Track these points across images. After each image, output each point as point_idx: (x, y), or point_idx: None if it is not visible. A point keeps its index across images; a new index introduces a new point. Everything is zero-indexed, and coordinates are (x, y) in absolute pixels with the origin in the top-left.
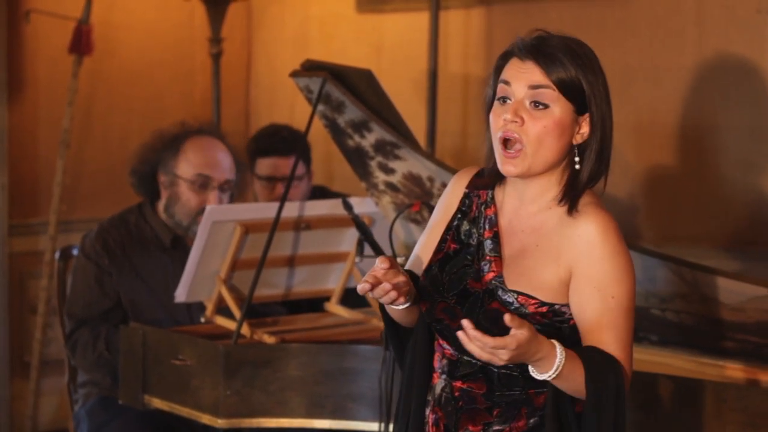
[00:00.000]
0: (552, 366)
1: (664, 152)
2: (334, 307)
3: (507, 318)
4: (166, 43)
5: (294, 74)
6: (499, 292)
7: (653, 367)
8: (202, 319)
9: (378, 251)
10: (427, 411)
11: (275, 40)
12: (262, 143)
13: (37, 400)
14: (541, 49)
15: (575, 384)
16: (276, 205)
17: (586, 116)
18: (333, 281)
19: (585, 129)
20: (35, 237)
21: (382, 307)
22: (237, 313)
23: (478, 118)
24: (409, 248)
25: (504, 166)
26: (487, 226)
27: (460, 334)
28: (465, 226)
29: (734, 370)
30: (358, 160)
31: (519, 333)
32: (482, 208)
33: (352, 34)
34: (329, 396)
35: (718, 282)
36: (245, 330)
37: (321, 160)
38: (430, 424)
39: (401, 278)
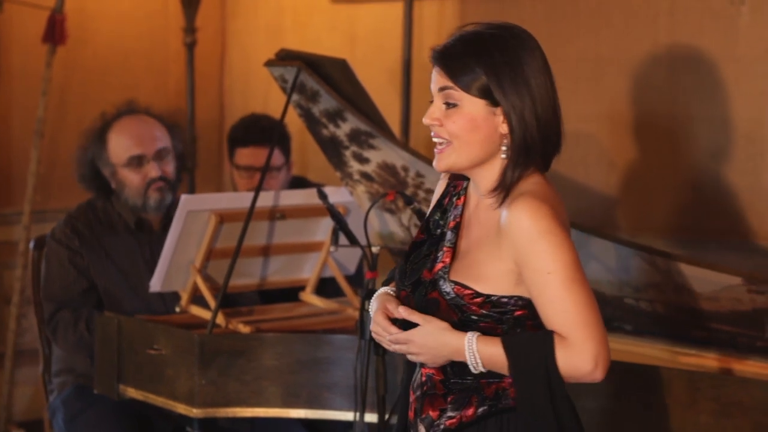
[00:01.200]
0: (468, 359)
1: (637, 142)
2: (308, 296)
3: (401, 311)
4: (140, 33)
5: (268, 63)
6: (440, 282)
7: (627, 357)
8: (177, 309)
9: (353, 240)
10: (411, 395)
11: (249, 29)
12: (241, 133)
13: (11, 390)
14: (446, 52)
15: (503, 369)
16: (251, 194)
17: (500, 108)
18: (308, 271)
19: (502, 120)
20: (9, 227)
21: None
22: (212, 303)
23: None
24: (383, 237)
25: (435, 163)
26: (452, 217)
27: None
28: (436, 215)
29: (708, 359)
30: (332, 149)
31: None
32: (454, 199)
33: (327, 23)
34: (304, 385)
35: (691, 271)
36: (220, 319)
37: (296, 149)
38: (412, 407)
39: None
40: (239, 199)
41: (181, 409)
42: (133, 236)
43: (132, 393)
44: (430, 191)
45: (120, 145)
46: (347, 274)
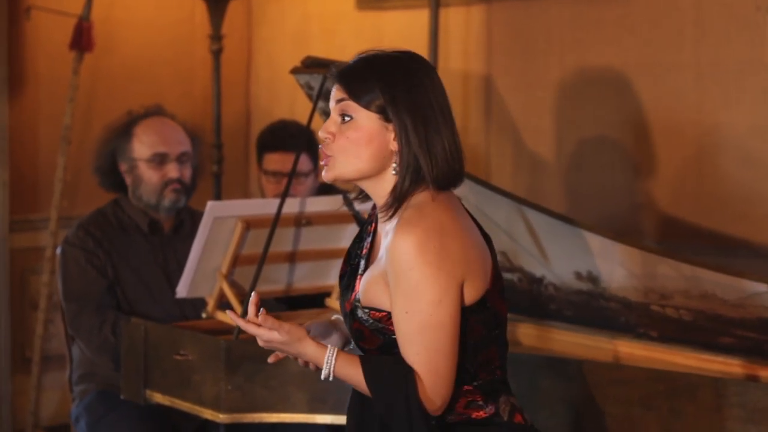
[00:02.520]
0: (324, 371)
1: (663, 149)
2: (335, 302)
3: (261, 318)
4: (166, 40)
5: (294, 71)
6: (357, 311)
7: (653, 363)
8: (204, 315)
9: None
10: None
11: (275, 36)
12: (270, 138)
13: (38, 396)
14: (345, 70)
15: (362, 389)
16: (277, 201)
17: (392, 124)
18: (334, 277)
19: (393, 137)
20: (36, 233)
21: None
22: (238, 309)
23: (478, 115)
24: None
25: (322, 173)
26: (365, 245)
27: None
28: (354, 246)
29: (733, 366)
30: None
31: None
32: (367, 226)
33: (352, 31)
34: (331, 391)
35: (717, 278)
36: None
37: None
38: None
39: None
40: (265, 206)
41: (208, 414)
42: (146, 239)
43: (158, 398)
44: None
45: (145, 140)
46: None
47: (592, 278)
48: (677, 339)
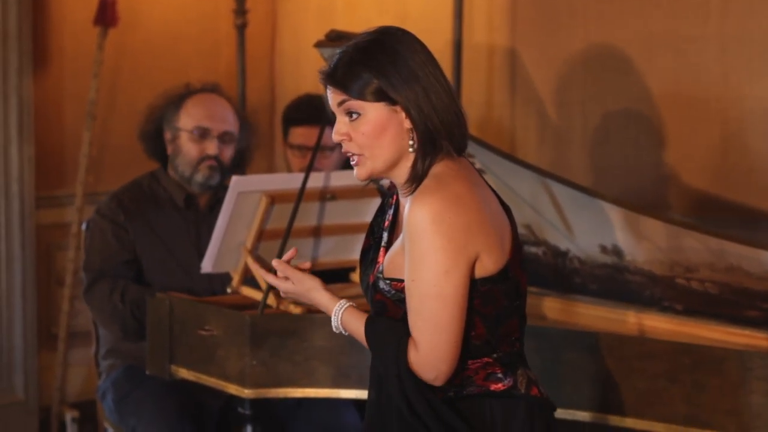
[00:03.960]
0: (332, 322)
1: (688, 122)
2: (359, 277)
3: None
4: (190, 15)
5: (319, 45)
6: (379, 283)
7: (678, 336)
8: (228, 290)
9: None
10: None
11: (300, 10)
12: (295, 112)
13: (64, 372)
14: (335, 69)
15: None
16: (301, 175)
17: (398, 105)
18: (359, 252)
19: (405, 116)
20: (62, 209)
21: None
22: (263, 284)
23: (502, 89)
24: None
25: (355, 174)
26: (386, 217)
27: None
28: (377, 219)
29: (759, 339)
30: None
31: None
32: (388, 199)
33: (376, 4)
34: (355, 366)
35: (743, 251)
36: (271, 300)
37: None
38: None
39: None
40: (290, 180)
41: (233, 389)
42: (180, 214)
43: (183, 374)
44: (482, 171)
45: (192, 112)
46: None
47: (617, 251)
48: (702, 312)
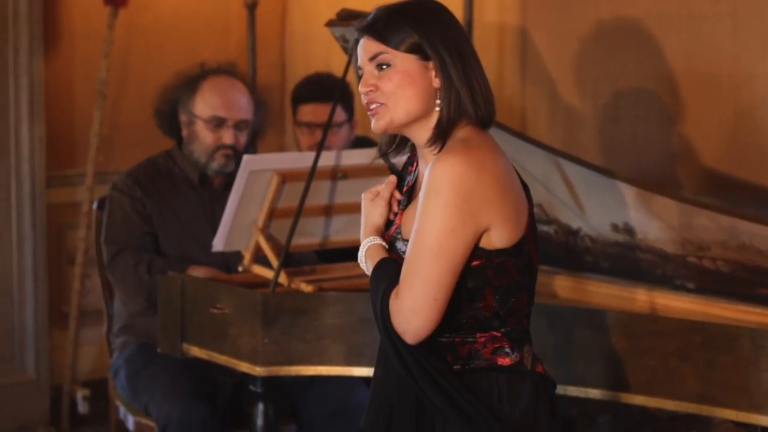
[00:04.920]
0: (359, 255)
1: (699, 100)
2: None
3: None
4: None
5: (329, 24)
6: (396, 243)
7: (690, 315)
8: (240, 268)
9: None
10: None
11: None
12: (303, 90)
13: (76, 350)
14: (374, 21)
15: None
16: (312, 154)
17: (431, 62)
18: None
19: (436, 74)
20: (72, 188)
21: None
22: (274, 262)
23: (513, 68)
24: None
25: (372, 126)
26: (406, 182)
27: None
28: (399, 186)
29: None
30: None
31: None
32: (407, 167)
33: None
34: (367, 344)
35: (755, 229)
36: (283, 279)
37: (357, 109)
38: None
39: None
40: (301, 159)
41: (245, 367)
42: (195, 192)
43: (195, 352)
44: None
45: (209, 100)
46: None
47: (629, 230)
48: (714, 290)
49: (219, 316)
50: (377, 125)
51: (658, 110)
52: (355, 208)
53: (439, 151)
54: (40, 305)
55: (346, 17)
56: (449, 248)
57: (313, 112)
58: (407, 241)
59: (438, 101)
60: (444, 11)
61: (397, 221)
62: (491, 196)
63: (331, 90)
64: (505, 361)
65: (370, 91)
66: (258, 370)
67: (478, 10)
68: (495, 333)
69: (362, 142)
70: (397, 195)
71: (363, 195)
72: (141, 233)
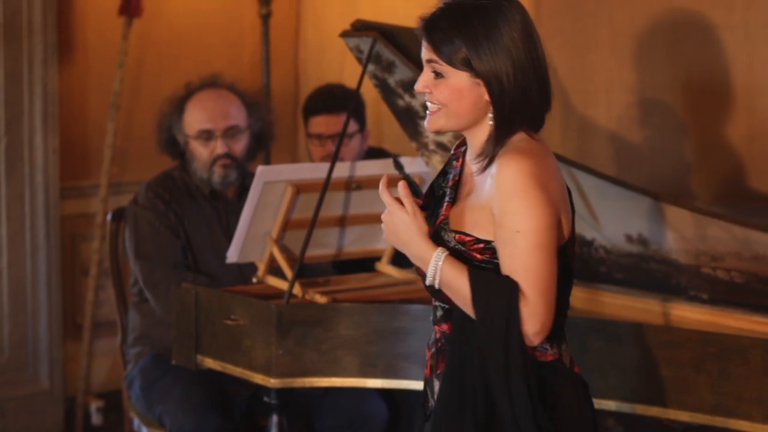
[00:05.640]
0: (429, 270)
1: (713, 110)
2: (385, 267)
3: (400, 189)
4: (215, 5)
5: (344, 34)
6: (442, 233)
7: (704, 326)
8: (254, 279)
9: None
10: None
11: (324, 0)
12: (314, 101)
13: (89, 362)
14: (432, 24)
15: (461, 298)
16: (327, 165)
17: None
18: (384, 241)
19: (485, 90)
20: (87, 199)
21: None
22: (289, 273)
23: None
24: None
25: (426, 122)
26: (450, 177)
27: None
28: (439, 180)
29: None
30: (408, 119)
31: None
32: (452, 162)
33: None
34: (381, 355)
35: None
36: (297, 290)
37: (371, 120)
38: (428, 364)
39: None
40: (315, 170)
41: (259, 379)
42: (210, 204)
43: (209, 363)
44: None
45: (193, 117)
46: None
47: (643, 240)
48: (728, 301)
49: (233, 328)
50: (431, 126)
51: (672, 120)
52: (370, 219)
53: (490, 161)
54: (54, 316)
55: (360, 28)
56: (553, 243)
57: (324, 123)
58: (455, 232)
59: (490, 115)
60: (504, 14)
61: (443, 212)
62: (559, 195)
63: (342, 101)
64: (545, 357)
65: (426, 92)
66: (272, 382)
67: None
68: None
69: (375, 152)
70: (413, 200)
71: (388, 217)
72: (176, 249)
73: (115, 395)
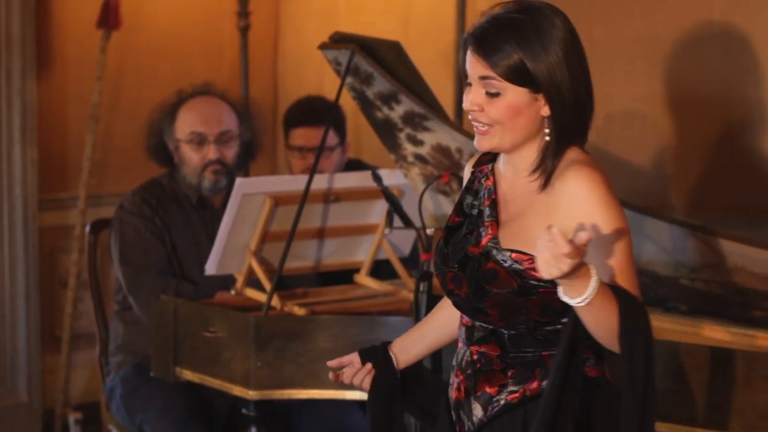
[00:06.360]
0: (586, 288)
1: (692, 122)
2: (363, 278)
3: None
4: (194, 18)
5: (322, 47)
6: (494, 252)
7: (683, 337)
8: (233, 292)
9: (407, 222)
10: (452, 377)
11: (303, 12)
12: (294, 114)
13: (68, 374)
14: (484, 38)
15: (604, 317)
16: (305, 177)
17: (542, 93)
18: (362, 253)
19: (545, 103)
20: (65, 211)
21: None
22: (267, 285)
23: None
24: (438, 219)
25: (476, 142)
26: (485, 195)
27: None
28: (467, 199)
29: (764, 340)
30: (386, 132)
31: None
32: (482, 180)
33: (380, 6)
34: None
35: (748, 251)
36: (276, 302)
37: (349, 132)
38: (454, 387)
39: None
40: (294, 182)
41: (237, 391)
42: (197, 212)
43: (188, 375)
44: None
45: (186, 120)
46: (402, 257)
47: None
48: (707, 312)
49: (212, 340)
50: (483, 146)
51: (651, 132)
52: (349, 231)
53: (547, 179)
54: (33, 329)
55: (339, 40)
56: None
57: (304, 136)
58: (510, 251)
59: (547, 130)
60: (557, 28)
61: (489, 232)
62: None
63: (322, 113)
64: (593, 372)
65: (475, 110)
66: (251, 394)
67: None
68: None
69: (354, 165)
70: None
71: (545, 256)
72: (161, 255)
73: (94, 407)
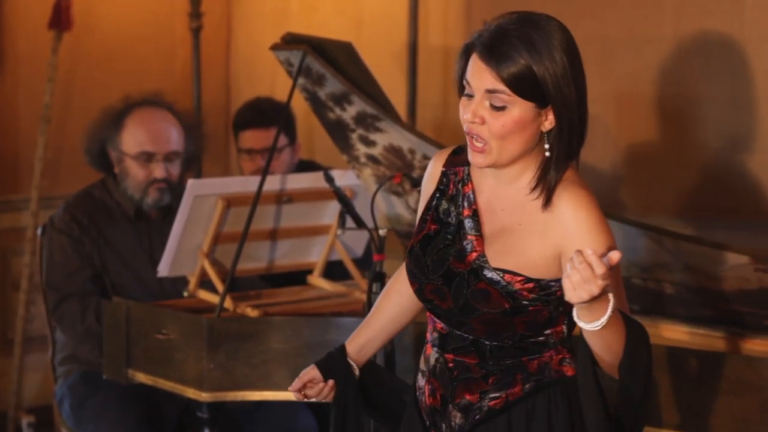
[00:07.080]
0: (604, 312)
1: (644, 123)
2: (316, 280)
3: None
4: (146, 18)
5: (274, 48)
6: (484, 272)
7: None
8: (185, 294)
9: (360, 223)
10: (422, 381)
11: (255, 13)
12: (243, 116)
13: (21, 377)
14: (495, 49)
15: (613, 341)
16: (258, 178)
17: (550, 107)
18: (315, 254)
19: (551, 117)
20: (17, 213)
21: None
22: (220, 287)
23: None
24: (390, 220)
25: (472, 158)
26: (465, 204)
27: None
28: (444, 204)
29: (716, 339)
30: (339, 133)
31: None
32: (459, 186)
33: (333, 7)
34: None
35: (699, 251)
36: (228, 303)
37: (302, 133)
38: (426, 394)
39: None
40: (246, 183)
41: (190, 393)
42: (132, 225)
43: (141, 378)
44: None
45: (134, 136)
46: (355, 257)
47: None
48: (659, 312)
49: (164, 342)
50: (479, 163)
51: (602, 133)
52: (301, 232)
53: (548, 198)
54: None
55: (290, 41)
56: None
57: (253, 138)
58: (502, 271)
59: (547, 145)
60: (567, 43)
61: (475, 248)
62: None
63: (271, 115)
64: (570, 371)
65: (475, 122)
66: (204, 396)
67: (423, 33)
68: (562, 345)
69: (306, 165)
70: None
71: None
72: (86, 278)
73: (47, 410)
